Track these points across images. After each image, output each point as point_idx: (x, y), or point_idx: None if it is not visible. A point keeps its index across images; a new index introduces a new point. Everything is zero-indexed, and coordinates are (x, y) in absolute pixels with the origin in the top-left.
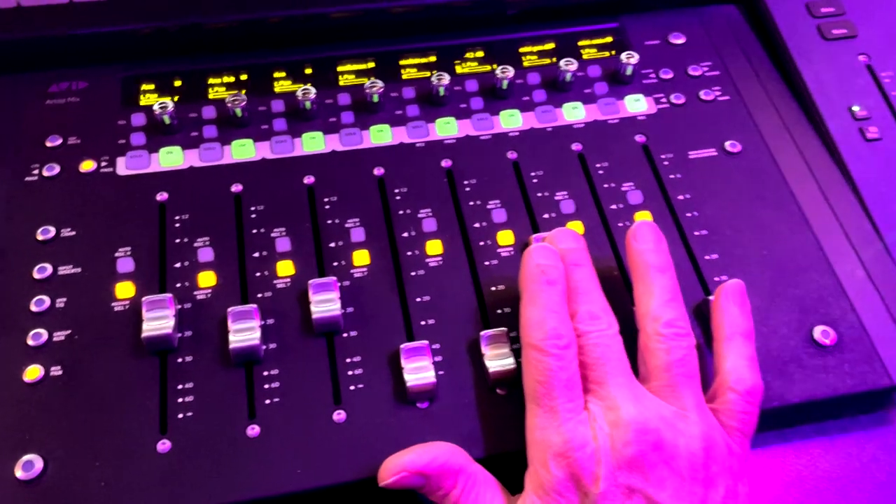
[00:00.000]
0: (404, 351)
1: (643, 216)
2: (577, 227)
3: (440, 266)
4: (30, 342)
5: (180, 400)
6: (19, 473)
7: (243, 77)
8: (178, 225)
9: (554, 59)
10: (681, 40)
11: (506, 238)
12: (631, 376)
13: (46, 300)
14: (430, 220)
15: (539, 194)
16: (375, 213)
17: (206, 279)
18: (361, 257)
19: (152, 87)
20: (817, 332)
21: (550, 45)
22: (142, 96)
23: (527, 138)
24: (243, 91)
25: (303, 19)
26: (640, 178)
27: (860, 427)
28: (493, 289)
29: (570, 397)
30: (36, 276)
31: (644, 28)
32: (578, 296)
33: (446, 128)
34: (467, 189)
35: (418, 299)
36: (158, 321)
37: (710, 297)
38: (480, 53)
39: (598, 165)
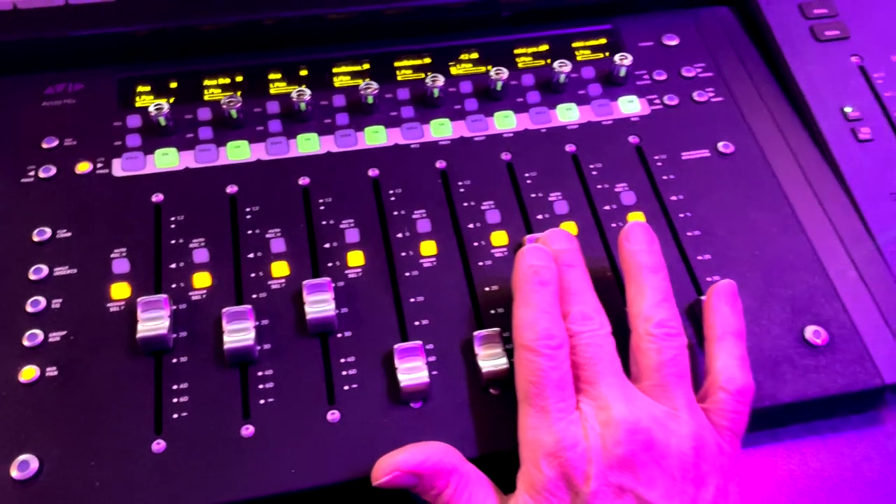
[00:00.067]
0: (398, 351)
1: (636, 217)
2: (570, 227)
3: (434, 266)
4: (25, 343)
5: (175, 400)
6: (15, 473)
7: (239, 79)
8: (173, 226)
9: (548, 61)
10: (674, 42)
11: (499, 239)
12: (622, 376)
13: (42, 301)
14: (424, 221)
15: (533, 195)
16: (370, 214)
17: (201, 280)
18: (356, 258)
19: (148, 88)
20: (809, 332)
21: (544, 47)
22: (138, 98)
23: (521, 139)
24: (238, 92)
25: (298, 21)
26: (634, 178)
27: (851, 427)
28: (487, 289)
29: (561, 397)
30: (32, 277)
31: (638, 29)
32: (571, 296)
33: (441, 129)
34: (461, 190)
35: (412, 300)
36: (153, 322)
37: (703, 298)
38: (475, 55)
39: (591, 166)
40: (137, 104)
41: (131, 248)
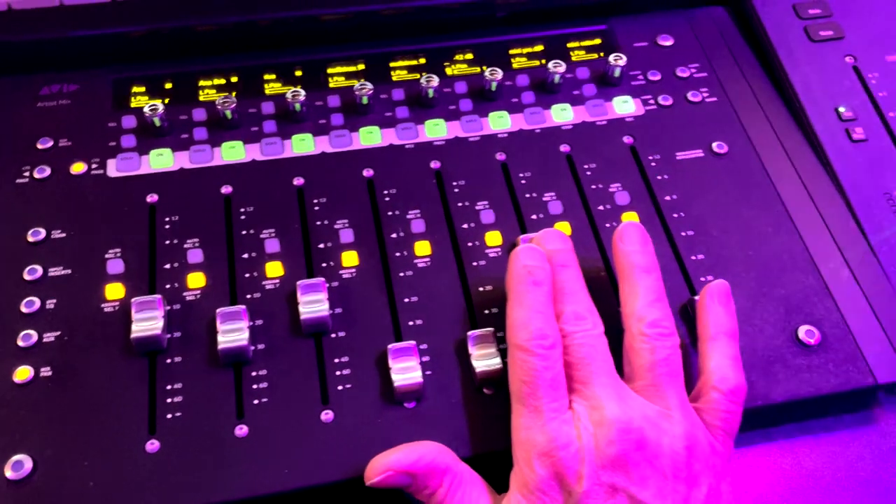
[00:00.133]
0: (392, 351)
1: (630, 217)
2: (564, 227)
3: (428, 267)
4: (20, 343)
5: (169, 400)
6: (9, 473)
7: (233, 79)
8: (167, 226)
9: (543, 61)
10: (669, 42)
11: (494, 239)
12: (615, 376)
13: (36, 301)
14: (418, 222)
15: (527, 195)
16: (364, 215)
17: (196, 280)
18: (350, 258)
19: (143, 89)
20: (802, 331)
21: (539, 48)
22: (132, 98)
23: (515, 140)
24: (233, 93)
25: (293, 22)
26: (628, 179)
27: (844, 426)
28: (481, 289)
29: (554, 397)
30: (26, 277)
31: (632, 30)
32: (564, 296)
33: (435, 129)
34: (456, 190)
35: (406, 300)
36: (147, 322)
37: (696, 297)
38: (469, 55)
39: (585, 167)
40: (132, 105)
41: (126, 248)
